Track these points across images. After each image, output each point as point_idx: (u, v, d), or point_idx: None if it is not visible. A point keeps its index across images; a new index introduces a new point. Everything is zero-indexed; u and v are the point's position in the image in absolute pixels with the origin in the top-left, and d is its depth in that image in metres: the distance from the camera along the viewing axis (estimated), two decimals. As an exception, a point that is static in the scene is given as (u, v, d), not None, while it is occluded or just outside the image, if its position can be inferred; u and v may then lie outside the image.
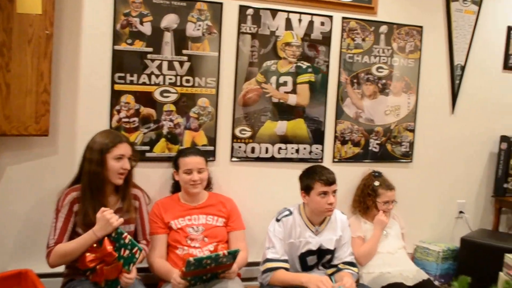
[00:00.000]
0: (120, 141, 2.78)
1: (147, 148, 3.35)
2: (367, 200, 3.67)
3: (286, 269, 3.05)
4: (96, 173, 2.71)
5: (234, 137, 3.56)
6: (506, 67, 4.42)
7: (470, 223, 4.37)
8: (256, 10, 3.52)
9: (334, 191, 3.12)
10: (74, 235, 2.69)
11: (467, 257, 3.89)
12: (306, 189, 3.13)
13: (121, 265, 2.54)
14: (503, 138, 4.36)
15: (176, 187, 3.32)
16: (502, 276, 3.15)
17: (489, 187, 4.48)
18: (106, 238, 2.56)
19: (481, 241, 3.89)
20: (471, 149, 4.38)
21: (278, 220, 3.14)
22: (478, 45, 4.26)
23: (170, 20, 3.32)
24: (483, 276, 2.85)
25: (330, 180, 3.09)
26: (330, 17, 3.72)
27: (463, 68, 4.21)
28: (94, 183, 2.71)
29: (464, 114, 4.29)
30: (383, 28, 3.89)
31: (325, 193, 3.06)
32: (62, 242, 2.66)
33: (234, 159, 3.58)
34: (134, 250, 2.53)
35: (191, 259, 2.60)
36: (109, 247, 2.54)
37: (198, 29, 3.39)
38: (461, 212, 4.37)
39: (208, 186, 3.37)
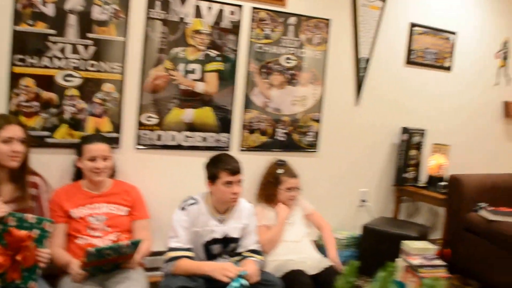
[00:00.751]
0: (8, 122, 2.66)
1: (47, 133, 3.22)
2: (271, 188, 3.69)
3: (190, 258, 3.02)
4: None
5: (140, 124, 3.48)
6: (408, 61, 4.58)
7: (372, 211, 4.51)
8: (165, -4, 3.46)
9: (239, 181, 3.13)
10: None
11: (368, 244, 4.04)
12: (211, 177, 3.12)
13: (35, 247, 2.45)
14: (404, 130, 4.52)
15: (78, 175, 3.20)
16: (399, 262, 3.29)
17: (390, 176, 4.64)
18: (11, 228, 2.45)
19: (381, 228, 4.05)
20: (374, 140, 4.52)
21: (182, 209, 3.11)
22: (382, 39, 4.39)
23: (75, 2, 3.19)
24: (383, 262, 2.95)
25: (235, 170, 3.10)
26: (240, 6, 3.71)
27: (367, 61, 4.32)
28: None
29: (368, 106, 4.42)
30: (292, 20, 3.92)
31: (230, 182, 3.07)
32: None
33: (139, 146, 3.51)
34: (42, 225, 2.45)
35: (91, 249, 2.54)
36: (22, 232, 2.43)
37: (105, 13, 3.29)
38: (363, 200, 4.50)
39: (113, 174, 3.28)
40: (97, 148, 3.08)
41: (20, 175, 2.73)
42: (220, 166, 3.10)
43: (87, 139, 3.15)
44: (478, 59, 5.05)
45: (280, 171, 3.70)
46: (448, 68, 4.85)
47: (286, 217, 3.58)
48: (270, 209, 3.65)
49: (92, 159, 3.05)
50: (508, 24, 5.19)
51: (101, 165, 3.06)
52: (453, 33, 4.82)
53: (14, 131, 2.66)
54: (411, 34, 4.56)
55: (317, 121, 4.15)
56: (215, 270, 2.87)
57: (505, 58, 5.23)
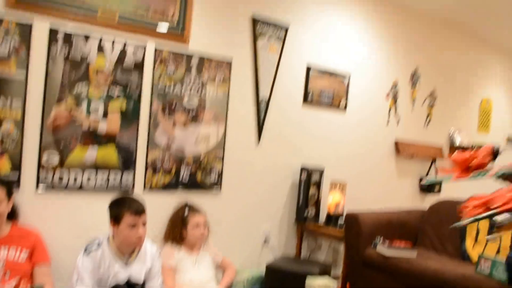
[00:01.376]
0: None
1: None
2: (178, 229, 3.66)
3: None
4: None
5: (41, 165, 3.34)
6: (306, 102, 4.74)
7: (275, 249, 4.57)
8: (68, 34, 3.38)
9: (144, 223, 3.10)
10: None
11: (272, 283, 4.05)
12: (115, 219, 3.07)
13: None
14: (303, 169, 4.64)
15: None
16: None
17: (292, 215, 4.73)
18: None
19: (284, 267, 4.08)
20: (275, 179, 4.61)
21: (86, 253, 3.03)
22: (281, 81, 4.53)
23: (-29, 37, 3.08)
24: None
25: (139, 210, 3.08)
26: (144, 46, 3.71)
27: (268, 102, 4.43)
28: None
29: (268, 146, 4.51)
30: (194, 60, 3.97)
31: (134, 225, 3.03)
32: None
33: (40, 188, 3.35)
34: None
35: None
36: None
37: (5, 48, 3.17)
38: (265, 241, 4.55)
39: (13, 217, 3.12)
40: None
41: None
42: (124, 208, 3.07)
43: None
44: (371, 100, 5.35)
45: (186, 213, 3.69)
46: (344, 108, 5.07)
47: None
48: (179, 248, 3.61)
49: None
50: (397, 67, 5.53)
51: (0, 210, 2.93)
52: (346, 75, 5.06)
53: None
54: (307, 75, 4.73)
55: (221, 159, 4.18)
56: None
57: (395, 99, 5.54)
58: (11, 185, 3.12)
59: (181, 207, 3.76)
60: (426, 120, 6.07)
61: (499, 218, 1.95)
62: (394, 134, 5.62)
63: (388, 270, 4.06)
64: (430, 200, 5.56)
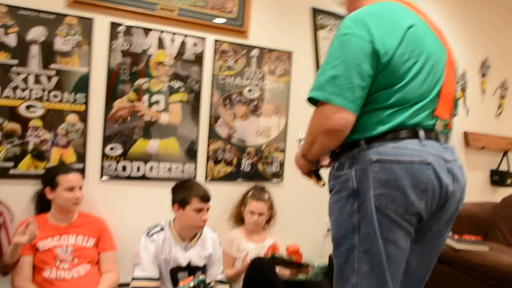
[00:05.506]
0: None
1: (10, 164, 3.17)
2: (239, 208, 3.74)
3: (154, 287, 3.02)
4: None
5: (105, 155, 3.46)
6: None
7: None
8: (128, 27, 3.48)
9: (208, 209, 3.14)
10: None
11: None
12: (181, 202, 3.11)
13: None
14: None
15: (42, 206, 3.16)
16: None
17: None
18: None
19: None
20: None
21: (148, 236, 3.09)
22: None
23: (37, 33, 3.20)
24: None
25: (206, 197, 3.12)
26: (203, 38, 3.76)
27: (329, 93, 4.38)
28: None
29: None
30: (254, 52, 3.98)
31: (200, 210, 3.06)
32: None
33: (104, 177, 3.47)
34: None
35: None
36: None
37: (67, 44, 3.29)
38: (329, 230, 4.51)
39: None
40: (75, 178, 3.09)
41: None
42: (192, 192, 3.10)
43: (61, 170, 3.12)
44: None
45: (250, 193, 3.72)
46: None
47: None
48: (246, 240, 3.63)
49: (71, 189, 3.03)
50: (465, 57, 5.36)
51: (79, 195, 3.06)
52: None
53: None
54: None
55: (282, 151, 4.17)
56: None
57: (463, 90, 5.37)
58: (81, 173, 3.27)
59: (251, 188, 3.79)
60: (497, 111, 5.86)
61: None
62: (463, 125, 5.45)
63: (458, 263, 3.95)
64: (502, 193, 5.36)
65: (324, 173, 2.15)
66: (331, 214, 2.02)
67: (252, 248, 3.58)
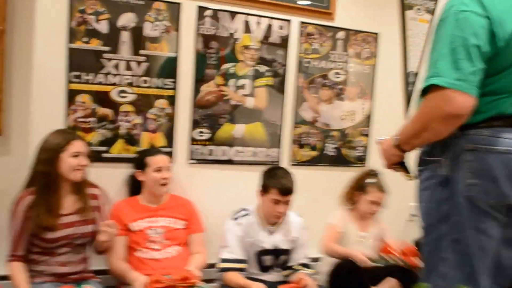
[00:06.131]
0: (74, 138, 2.75)
1: (104, 148, 3.27)
2: (355, 194, 3.53)
3: (241, 269, 3.06)
4: (49, 173, 2.67)
5: (192, 139, 3.51)
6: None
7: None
8: (215, 11, 3.49)
9: (287, 202, 3.11)
10: (33, 239, 2.66)
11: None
12: (263, 189, 3.12)
13: None
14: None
15: (134, 189, 3.25)
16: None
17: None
18: None
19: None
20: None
21: (235, 219, 3.13)
22: (430, 52, 4.34)
23: (127, 19, 3.25)
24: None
25: (285, 191, 3.06)
26: (288, 21, 3.72)
27: (416, 76, 4.28)
28: (47, 183, 2.67)
29: (417, 121, 4.34)
30: (340, 34, 3.92)
31: (277, 201, 3.05)
32: (18, 252, 2.64)
33: (192, 161, 3.53)
34: None
35: None
36: None
37: (156, 29, 3.33)
38: (413, 215, 4.42)
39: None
40: (163, 159, 3.16)
41: (81, 187, 2.80)
42: (273, 182, 3.08)
43: (149, 152, 3.22)
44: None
45: (370, 180, 3.53)
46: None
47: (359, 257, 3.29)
48: (352, 222, 3.53)
49: (158, 170, 3.11)
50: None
51: (167, 175, 3.12)
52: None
53: (80, 146, 2.75)
54: (459, 47, 4.50)
55: (366, 135, 4.11)
56: None
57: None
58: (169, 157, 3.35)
59: (366, 175, 3.60)
60: None
61: None
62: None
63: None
64: None
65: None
66: (420, 201, 1.98)
67: (357, 235, 3.53)
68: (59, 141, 2.70)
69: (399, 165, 2.11)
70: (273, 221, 3.17)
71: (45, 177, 2.67)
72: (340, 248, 3.35)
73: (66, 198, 2.76)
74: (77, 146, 2.72)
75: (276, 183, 3.06)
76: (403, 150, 2.01)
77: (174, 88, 3.41)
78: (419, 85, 4.09)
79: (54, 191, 2.69)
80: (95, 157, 3.11)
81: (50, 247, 2.68)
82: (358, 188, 3.53)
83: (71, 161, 2.68)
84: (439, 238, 1.88)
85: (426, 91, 1.76)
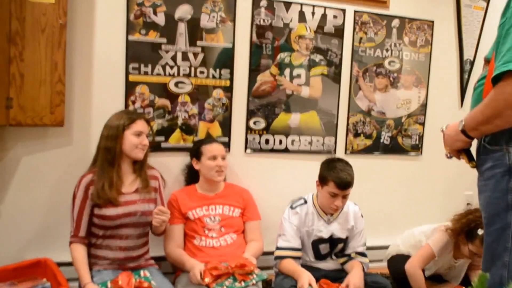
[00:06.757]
0: (138, 117, 2.82)
1: (162, 138, 3.33)
2: (461, 238, 3.30)
3: (296, 257, 3.06)
4: (112, 149, 2.74)
5: (248, 129, 3.54)
6: (514, 62, 4.42)
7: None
8: (270, 2, 3.50)
9: (345, 196, 3.05)
10: (94, 218, 2.72)
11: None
12: (321, 180, 3.10)
13: None
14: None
15: (191, 178, 3.31)
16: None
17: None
18: None
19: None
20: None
21: (292, 208, 3.13)
22: (486, 40, 4.25)
23: (184, 11, 3.30)
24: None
25: (343, 185, 2.99)
26: (343, 10, 3.71)
27: (472, 63, 4.21)
28: (110, 159, 2.74)
29: (473, 109, 4.28)
30: (395, 22, 3.88)
31: (334, 195, 3.01)
32: (79, 232, 2.69)
33: (248, 150, 3.56)
34: None
35: None
36: None
37: (212, 20, 3.37)
38: (468, 204, 4.36)
39: (224, 177, 3.34)
40: (218, 147, 3.20)
41: (142, 167, 2.87)
42: (331, 175, 2.99)
43: (205, 141, 3.27)
44: None
45: (480, 232, 3.15)
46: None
47: None
48: (450, 251, 3.40)
49: (214, 158, 3.15)
50: None
51: (222, 163, 3.16)
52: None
53: (143, 125, 2.81)
54: (516, 34, 4.40)
55: (421, 124, 4.07)
56: (304, 282, 2.82)
57: None
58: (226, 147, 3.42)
59: (478, 222, 3.23)
60: None
61: None
62: None
63: None
64: None
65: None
66: (483, 191, 1.94)
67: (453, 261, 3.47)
68: (123, 119, 2.76)
69: (463, 152, 2.08)
70: (330, 212, 3.16)
71: (108, 152, 2.73)
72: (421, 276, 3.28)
73: (127, 176, 2.83)
74: (140, 125, 2.79)
75: (334, 177, 2.98)
76: (469, 137, 1.96)
77: (230, 79, 3.45)
78: (476, 73, 4.08)
79: (116, 168, 2.75)
80: (154, 147, 3.18)
81: (112, 227, 2.72)
82: (467, 234, 3.26)
83: (134, 139, 2.75)
84: (504, 228, 1.84)
85: (499, 78, 1.71)
